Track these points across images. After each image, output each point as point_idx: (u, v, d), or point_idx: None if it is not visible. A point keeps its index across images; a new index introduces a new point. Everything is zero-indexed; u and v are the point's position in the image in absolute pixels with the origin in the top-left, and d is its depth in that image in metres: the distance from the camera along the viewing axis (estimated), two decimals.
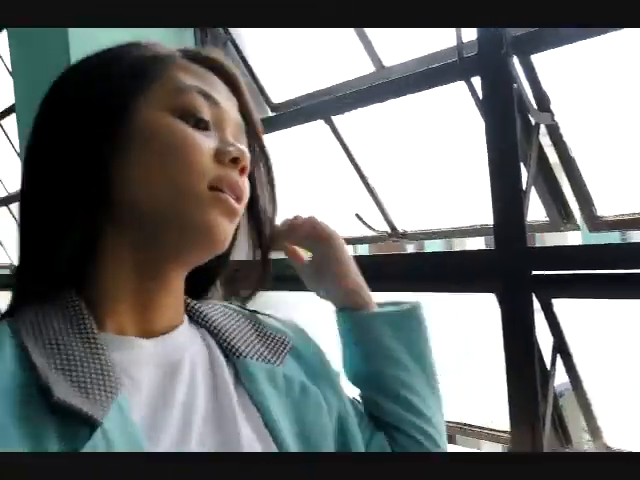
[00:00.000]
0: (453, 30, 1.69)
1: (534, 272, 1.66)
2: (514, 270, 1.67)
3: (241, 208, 0.78)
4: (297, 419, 0.82)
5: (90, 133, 0.71)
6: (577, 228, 1.85)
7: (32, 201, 0.74)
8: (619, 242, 1.55)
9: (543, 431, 1.73)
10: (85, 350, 0.67)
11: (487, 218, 1.74)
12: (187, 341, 0.80)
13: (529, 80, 1.66)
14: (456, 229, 2.03)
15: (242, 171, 0.77)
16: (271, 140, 2.58)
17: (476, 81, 1.66)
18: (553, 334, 1.75)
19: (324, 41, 2.31)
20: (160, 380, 0.73)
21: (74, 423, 0.61)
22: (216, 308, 0.90)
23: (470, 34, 1.67)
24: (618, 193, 1.77)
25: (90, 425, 0.62)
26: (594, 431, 1.82)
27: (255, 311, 0.96)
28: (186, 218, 0.71)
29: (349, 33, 2.26)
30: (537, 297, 1.69)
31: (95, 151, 0.70)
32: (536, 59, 1.64)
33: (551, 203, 1.82)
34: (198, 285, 0.89)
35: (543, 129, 1.69)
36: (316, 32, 2.31)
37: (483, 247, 1.62)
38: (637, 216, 1.68)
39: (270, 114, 2.56)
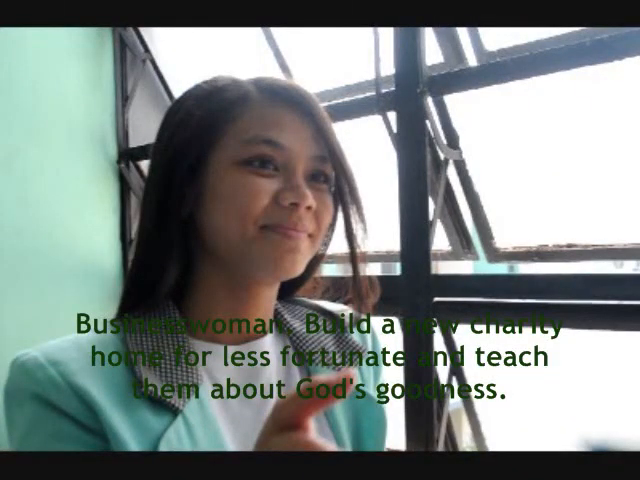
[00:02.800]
0: (372, 64, 1.78)
1: (436, 298, 1.76)
2: (418, 296, 1.76)
3: (305, 240, 0.83)
4: (357, 431, 0.90)
5: (176, 180, 0.81)
6: (476, 258, 1.97)
7: (141, 233, 0.85)
8: (507, 273, 1.66)
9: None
10: (174, 350, 0.79)
11: (388, 245, 1.84)
12: (271, 349, 0.88)
13: (440, 118, 1.77)
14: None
15: (309, 209, 0.82)
16: None
17: (392, 116, 1.76)
18: (450, 358, 1.85)
19: (243, 64, 2.36)
20: (240, 383, 0.83)
21: (162, 409, 0.75)
22: (301, 312, 0.97)
23: (388, 69, 1.77)
24: (515, 227, 1.90)
25: (174, 412, 0.75)
26: (482, 448, 1.94)
27: (334, 313, 1.01)
28: (245, 256, 0.80)
29: (269, 59, 2.33)
30: (437, 322, 1.79)
31: (179, 195, 0.81)
32: (448, 99, 1.75)
33: (454, 234, 1.94)
34: (288, 286, 0.97)
35: (451, 164, 1.81)
36: (235, 54, 2.36)
37: (379, 273, 1.70)
38: (532, 249, 1.82)
39: None
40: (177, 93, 2.62)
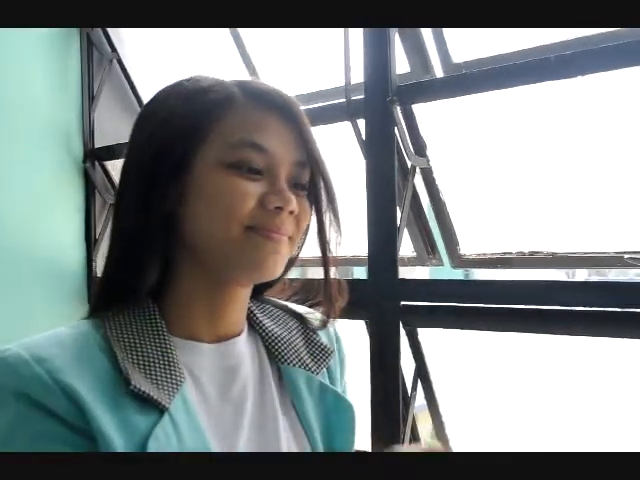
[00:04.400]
0: (342, 72, 1.82)
1: (402, 302, 1.80)
2: (385, 300, 1.80)
3: (286, 242, 0.84)
4: (327, 427, 0.92)
5: (159, 178, 0.81)
6: (440, 264, 2.02)
7: (119, 231, 0.85)
8: (476, 279, 1.71)
9: None
10: (156, 348, 0.79)
11: (351, 249, 1.87)
12: (245, 348, 0.89)
13: (408, 126, 1.81)
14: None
15: (292, 213, 0.84)
16: None
17: (361, 123, 1.79)
18: (416, 360, 1.90)
19: (210, 66, 2.37)
20: (218, 381, 0.83)
21: (148, 407, 0.74)
22: (272, 312, 0.98)
23: (358, 77, 1.80)
24: (479, 234, 1.95)
25: (160, 410, 0.75)
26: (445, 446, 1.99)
27: (303, 315, 1.02)
28: (228, 256, 0.81)
29: (238, 62, 2.35)
30: (404, 326, 1.83)
31: (162, 193, 0.81)
32: (416, 108, 1.79)
33: (419, 240, 1.98)
34: (260, 286, 0.97)
35: (418, 172, 1.85)
36: (202, 56, 2.37)
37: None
38: (495, 256, 1.87)
39: None
40: (144, 93, 2.61)
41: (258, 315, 0.96)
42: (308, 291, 1.03)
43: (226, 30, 2.29)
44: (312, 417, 0.91)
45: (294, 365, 0.93)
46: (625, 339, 1.62)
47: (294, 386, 0.91)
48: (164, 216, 0.82)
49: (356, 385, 1.80)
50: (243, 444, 0.82)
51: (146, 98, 2.73)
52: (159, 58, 2.59)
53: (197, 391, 0.82)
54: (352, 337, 2.03)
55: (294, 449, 0.88)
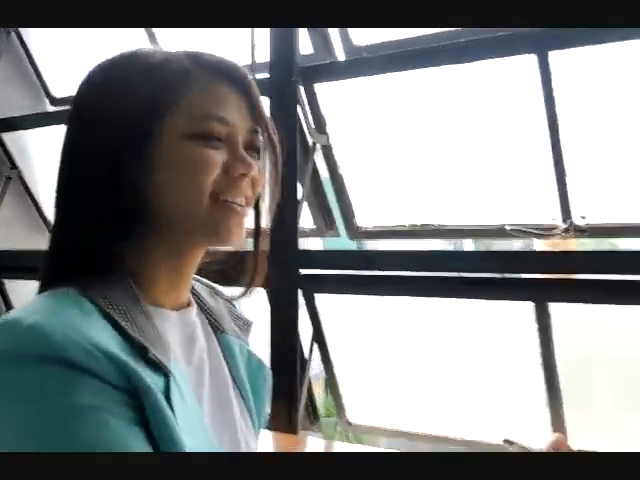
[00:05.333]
0: (248, 50, 1.90)
1: (302, 271, 1.91)
2: (286, 269, 1.91)
3: (247, 211, 0.86)
4: (251, 388, 0.95)
5: (123, 153, 0.82)
6: (338, 235, 2.14)
7: (75, 203, 0.84)
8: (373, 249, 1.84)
9: (297, 412, 1.99)
10: (141, 316, 0.80)
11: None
12: (195, 317, 0.91)
13: (310, 105, 1.91)
14: None
15: (251, 179, 0.85)
16: (48, 134, 2.61)
17: (265, 100, 1.87)
18: (313, 326, 2.01)
19: (114, 41, 2.37)
20: (182, 349, 0.86)
21: (156, 372, 0.75)
22: (200, 286, 0.99)
23: (263, 57, 1.88)
24: (375, 208, 2.07)
25: (164, 375, 0.75)
26: (340, 409, 2.12)
27: (217, 288, 1.03)
28: (196, 226, 0.83)
29: (139, 35, 2.37)
30: (303, 293, 1.94)
31: (128, 164, 0.82)
32: (318, 88, 1.89)
33: (318, 213, 2.09)
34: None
35: (318, 148, 1.96)
36: (102, 32, 2.37)
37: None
38: (389, 228, 2.01)
39: (50, 108, 2.60)
40: (44, 67, 2.60)
41: (197, 288, 0.98)
42: (229, 262, 1.03)
43: None
44: (245, 383, 0.96)
45: (230, 335, 0.96)
46: (509, 302, 1.80)
47: (232, 354, 0.95)
48: (130, 188, 0.82)
49: (255, 349, 1.89)
50: (206, 407, 0.87)
51: (45, 72, 2.69)
52: (59, 33, 2.56)
53: (172, 356, 0.82)
54: (252, 305, 2.12)
55: (240, 415, 0.92)
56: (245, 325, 1.01)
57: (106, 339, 0.72)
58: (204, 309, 0.96)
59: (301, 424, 2.07)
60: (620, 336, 1.80)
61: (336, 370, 2.07)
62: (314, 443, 1.97)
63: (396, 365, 2.02)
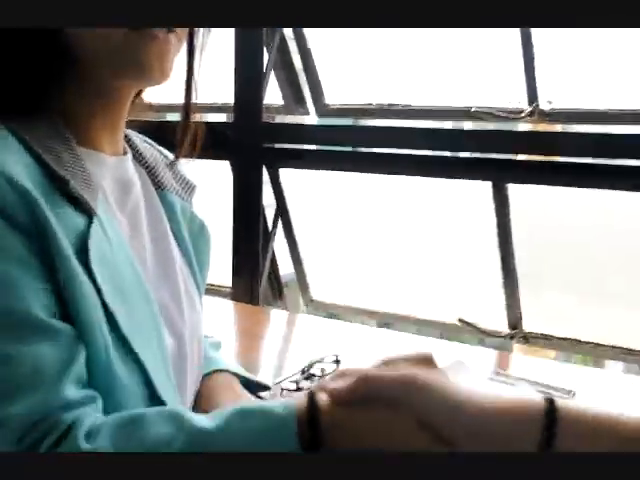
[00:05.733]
0: None
1: (266, 145, 1.91)
2: (248, 142, 1.90)
3: (174, 40, 0.81)
4: (194, 245, 0.95)
5: None
6: (307, 113, 2.11)
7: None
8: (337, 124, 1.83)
9: (260, 285, 2.03)
10: (70, 156, 0.77)
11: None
12: (133, 168, 0.89)
13: None
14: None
15: None
16: None
17: None
18: (277, 202, 2.02)
19: None
20: (116, 195, 0.84)
21: (78, 210, 0.74)
22: (140, 141, 0.96)
23: None
24: (344, 86, 2.04)
25: (89, 215, 0.74)
26: (303, 286, 2.16)
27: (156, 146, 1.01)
28: (114, 56, 0.79)
29: None
30: (267, 168, 1.95)
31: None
32: None
33: (287, 89, 2.06)
34: None
35: None
36: None
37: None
38: (358, 106, 1.99)
39: None
40: None
41: (133, 138, 0.95)
42: (163, 132, 1.00)
43: None
44: (188, 243, 0.95)
45: (171, 192, 0.94)
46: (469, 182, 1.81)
47: (173, 212, 0.93)
48: (52, 34, 0.78)
49: (219, 223, 1.91)
50: (149, 256, 0.86)
51: None
52: None
53: (103, 200, 0.80)
54: (215, 178, 2.13)
55: (182, 273, 0.91)
56: (188, 187, 0.98)
57: (23, 173, 0.70)
58: (142, 162, 0.93)
59: (265, 298, 2.11)
60: (577, 220, 1.81)
61: (300, 247, 2.09)
62: (277, 316, 2.01)
63: (357, 243, 2.04)
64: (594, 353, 1.87)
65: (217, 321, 1.15)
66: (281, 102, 2.08)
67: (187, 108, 0.91)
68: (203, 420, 0.64)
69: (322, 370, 1.24)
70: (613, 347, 1.79)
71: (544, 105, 1.82)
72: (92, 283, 0.70)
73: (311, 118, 2.12)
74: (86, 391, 0.67)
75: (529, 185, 1.76)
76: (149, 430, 0.64)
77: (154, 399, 0.74)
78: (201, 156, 0.95)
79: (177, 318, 0.85)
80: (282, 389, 1.19)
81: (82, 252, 0.71)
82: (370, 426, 0.62)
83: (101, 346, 0.70)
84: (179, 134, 0.93)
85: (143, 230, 0.86)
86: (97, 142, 0.83)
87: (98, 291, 0.70)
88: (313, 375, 1.21)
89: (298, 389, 1.18)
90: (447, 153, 1.81)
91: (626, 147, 1.63)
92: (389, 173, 1.87)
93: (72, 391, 0.65)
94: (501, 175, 1.75)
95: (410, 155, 1.80)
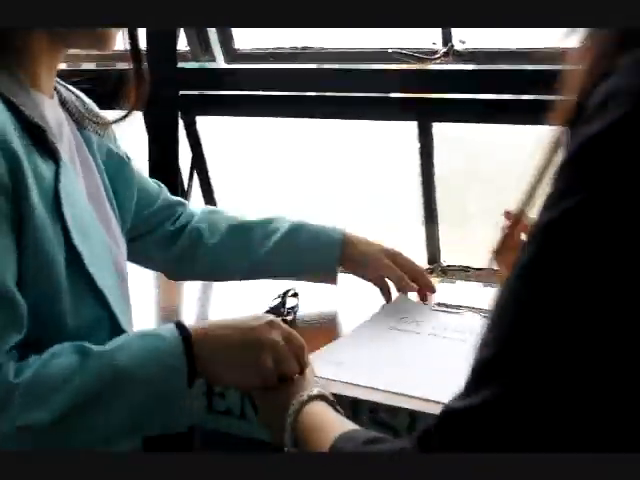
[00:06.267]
0: None
1: (181, 92, 1.83)
2: (162, 89, 1.81)
3: None
4: (112, 182, 0.95)
5: None
6: (213, 59, 2.03)
7: None
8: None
9: None
10: (31, 104, 0.79)
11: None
12: (58, 108, 0.89)
13: None
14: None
15: None
16: None
17: None
18: (193, 152, 1.95)
19: None
20: (56, 131, 0.83)
21: (45, 156, 0.76)
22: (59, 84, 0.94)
23: None
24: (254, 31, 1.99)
25: (55, 160, 0.77)
26: None
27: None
28: (78, 34, 0.83)
29: None
30: (182, 115, 1.87)
31: None
32: None
33: (193, 34, 1.98)
34: None
35: None
36: None
37: None
38: (269, 50, 1.94)
39: None
40: None
41: (57, 86, 0.94)
42: (104, 83, 0.97)
43: None
44: (104, 172, 0.95)
45: (89, 130, 0.95)
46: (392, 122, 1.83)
47: (91, 149, 0.94)
48: None
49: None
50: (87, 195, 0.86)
51: None
52: None
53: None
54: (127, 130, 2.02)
55: (110, 211, 0.92)
56: (102, 123, 0.97)
57: (6, 123, 0.72)
58: (62, 101, 0.92)
59: None
60: (497, 155, 1.89)
61: (217, 200, 2.03)
62: None
63: (278, 191, 2.02)
64: None
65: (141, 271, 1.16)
66: (186, 48, 2.00)
67: (138, 56, 0.92)
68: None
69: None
70: None
71: (458, 45, 1.86)
72: (61, 228, 0.75)
73: (219, 64, 2.05)
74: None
75: (452, 123, 1.81)
76: (60, 358, 0.72)
77: (118, 332, 0.80)
78: (110, 107, 0.95)
79: (119, 256, 0.89)
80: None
81: (54, 198, 0.75)
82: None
83: (64, 287, 0.75)
84: (133, 83, 0.93)
85: (77, 169, 0.87)
86: (41, 85, 0.84)
87: (66, 234, 0.75)
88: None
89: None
90: (370, 94, 1.81)
91: (541, 82, 1.70)
92: (307, 117, 1.86)
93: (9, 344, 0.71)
94: (426, 114, 1.78)
95: (328, 97, 1.79)
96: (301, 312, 1.15)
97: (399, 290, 1.16)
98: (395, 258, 1.15)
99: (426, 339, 1.04)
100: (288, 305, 1.18)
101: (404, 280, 1.14)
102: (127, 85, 0.93)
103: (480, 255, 1.97)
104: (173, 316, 1.18)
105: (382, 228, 1.99)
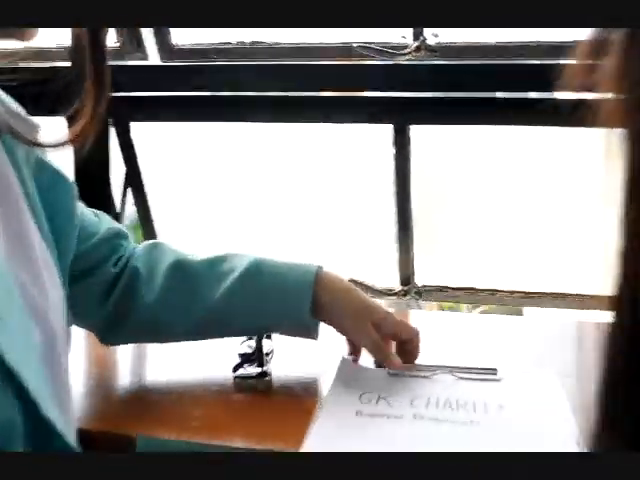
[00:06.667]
0: None
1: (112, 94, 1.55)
2: None
3: None
4: (45, 205, 0.78)
5: None
6: (145, 58, 1.77)
7: None
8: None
9: None
10: None
11: None
12: None
13: None
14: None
15: None
16: None
17: None
18: (127, 164, 1.67)
19: None
20: None
21: None
22: None
23: None
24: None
25: None
26: None
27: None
28: None
29: None
30: (113, 122, 1.59)
31: None
32: None
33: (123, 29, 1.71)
34: None
35: None
36: None
37: None
38: (214, 46, 1.68)
39: None
40: None
41: None
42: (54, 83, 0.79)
43: None
44: (34, 193, 0.78)
45: (11, 137, 0.77)
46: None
47: (14, 159, 0.77)
48: None
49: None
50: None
51: None
52: None
53: None
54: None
55: (34, 229, 0.74)
56: (31, 128, 0.79)
57: None
58: None
59: None
60: (477, 163, 1.68)
61: (154, 218, 1.76)
62: None
63: (229, 205, 1.75)
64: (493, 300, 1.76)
65: None
66: (115, 44, 1.73)
67: (100, 51, 0.74)
68: None
69: None
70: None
71: (430, 39, 1.65)
72: None
73: (153, 61, 1.79)
74: None
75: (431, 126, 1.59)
76: None
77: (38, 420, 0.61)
78: (31, 113, 0.81)
79: (40, 301, 0.69)
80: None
81: None
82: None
83: None
84: (89, 86, 0.75)
85: None
86: None
87: None
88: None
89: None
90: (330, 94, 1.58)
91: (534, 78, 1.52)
92: (264, 121, 1.62)
93: None
94: (404, 116, 1.56)
95: (291, 98, 1.56)
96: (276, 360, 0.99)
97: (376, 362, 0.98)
98: (381, 323, 0.95)
99: (415, 427, 0.81)
100: (265, 349, 1.00)
101: (384, 355, 0.95)
102: (78, 88, 0.76)
103: (457, 273, 1.79)
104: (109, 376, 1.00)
105: (349, 246, 1.76)
